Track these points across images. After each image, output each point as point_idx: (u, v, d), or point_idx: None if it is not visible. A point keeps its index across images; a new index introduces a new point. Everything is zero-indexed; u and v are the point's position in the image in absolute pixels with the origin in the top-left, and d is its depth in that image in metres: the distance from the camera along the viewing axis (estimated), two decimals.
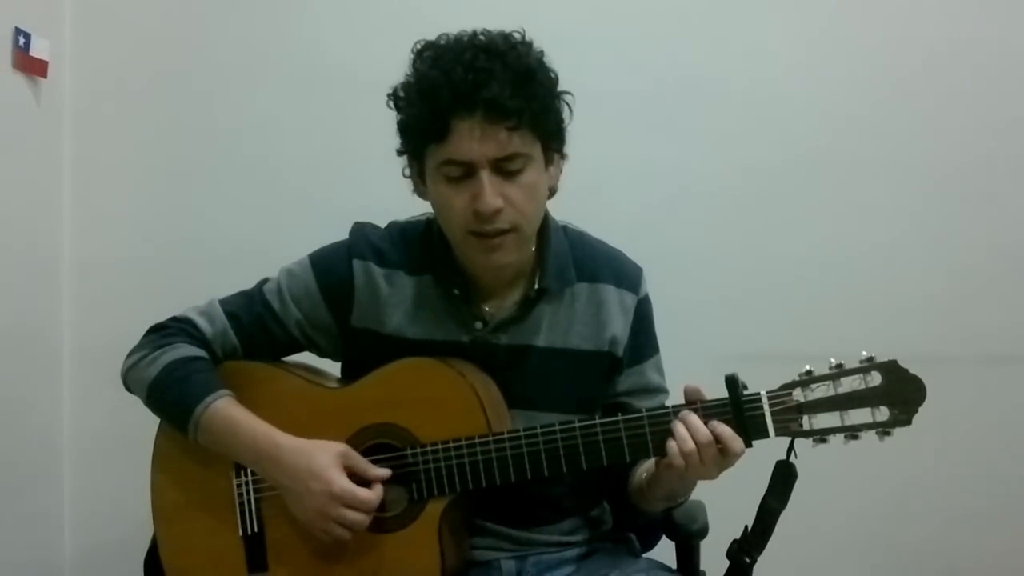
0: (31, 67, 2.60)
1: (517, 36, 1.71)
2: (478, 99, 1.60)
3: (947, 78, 2.66)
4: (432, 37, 1.73)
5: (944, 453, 2.60)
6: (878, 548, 2.72)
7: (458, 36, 1.70)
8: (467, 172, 1.66)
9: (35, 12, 2.63)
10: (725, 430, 1.59)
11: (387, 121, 1.82)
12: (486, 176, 1.64)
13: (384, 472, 1.70)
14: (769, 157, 2.66)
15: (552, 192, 1.80)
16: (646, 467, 1.78)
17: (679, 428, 1.60)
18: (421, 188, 1.78)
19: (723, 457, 1.59)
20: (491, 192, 1.64)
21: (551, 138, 1.73)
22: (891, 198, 2.68)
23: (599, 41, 2.63)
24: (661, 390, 1.91)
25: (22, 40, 2.56)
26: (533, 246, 1.81)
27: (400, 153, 1.78)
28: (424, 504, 1.72)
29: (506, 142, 1.63)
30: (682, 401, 1.65)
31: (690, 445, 1.58)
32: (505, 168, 1.66)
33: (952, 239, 2.68)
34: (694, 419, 1.60)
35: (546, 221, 1.84)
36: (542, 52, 1.72)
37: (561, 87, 1.74)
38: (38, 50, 2.61)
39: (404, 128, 1.74)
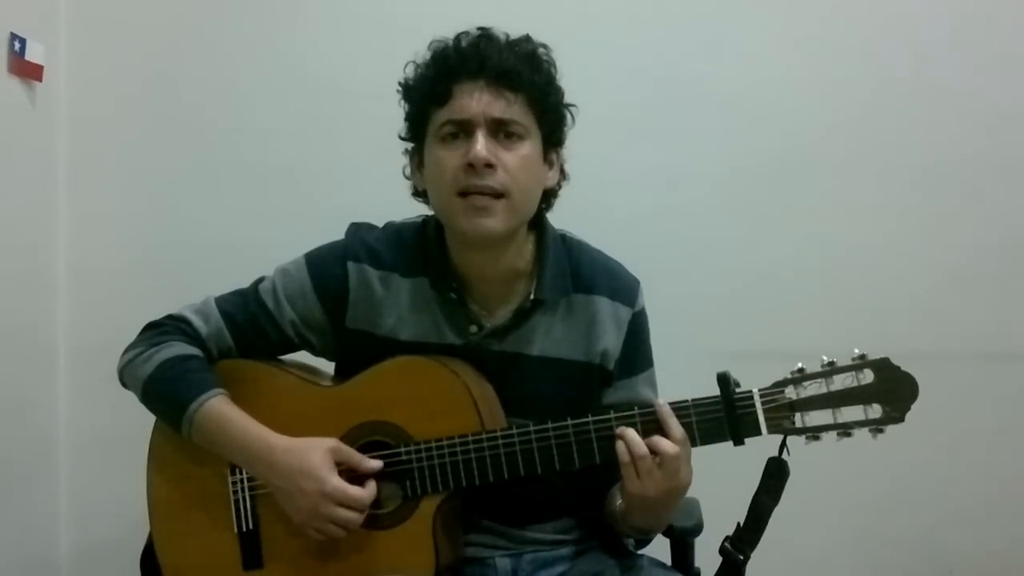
0: (26, 71, 2.60)
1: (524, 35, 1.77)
2: (483, 63, 1.68)
3: (936, 76, 2.67)
4: (426, 45, 1.77)
5: (936, 450, 2.60)
6: (870, 545, 2.73)
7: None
8: (464, 131, 1.69)
9: (30, 17, 2.64)
10: (662, 441, 1.61)
11: (381, 123, 1.84)
12: (481, 133, 1.68)
13: (376, 464, 1.71)
14: (760, 157, 2.67)
15: (550, 202, 1.83)
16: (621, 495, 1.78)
17: (618, 442, 1.63)
18: (418, 178, 1.80)
19: (661, 469, 1.61)
20: (484, 144, 1.67)
21: (550, 129, 1.76)
22: (882, 197, 2.68)
23: (590, 46, 2.63)
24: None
25: (17, 45, 2.56)
26: (531, 246, 1.82)
27: (403, 139, 1.81)
28: (418, 501, 1.72)
29: (505, 108, 1.69)
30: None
31: (626, 457, 1.62)
32: (502, 132, 1.70)
33: (943, 237, 2.69)
34: (631, 433, 1.63)
35: (545, 229, 1.84)
36: (552, 60, 1.78)
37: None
38: (33, 55, 2.61)
39: (409, 98, 1.78)
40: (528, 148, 1.72)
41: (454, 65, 1.69)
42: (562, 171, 1.85)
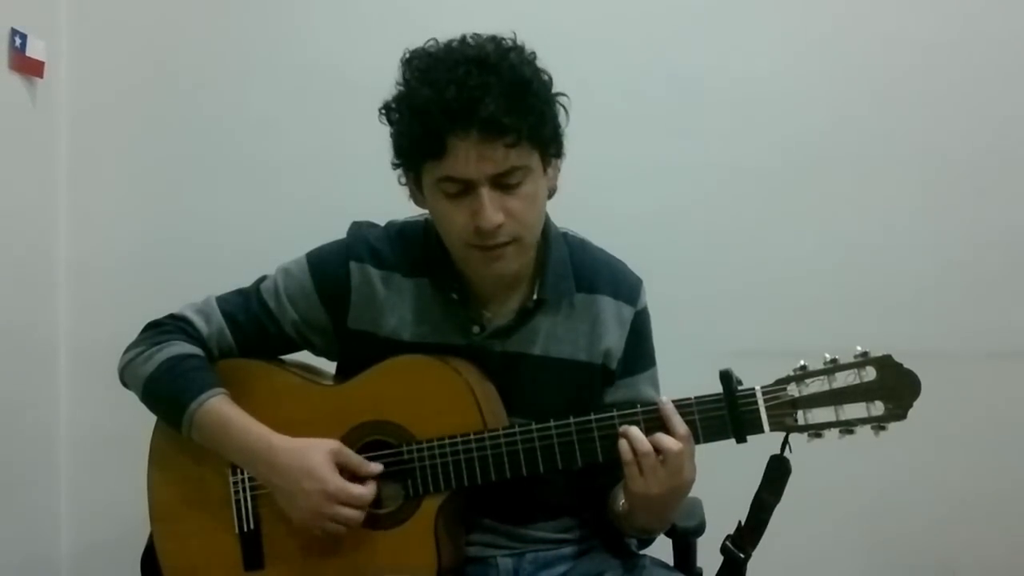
0: (27, 68, 2.61)
1: (508, 42, 1.67)
2: (474, 118, 1.57)
3: (942, 74, 2.66)
4: (426, 39, 1.70)
5: (939, 449, 2.60)
6: (873, 544, 2.72)
7: (447, 44, 1.67)
8: (466, 188, 1.63)
9: (31, 13, 2.64)
10: (664, 438, 1.60)
11: (383, 121, 1.82)
12: (486, 193, 1.62)
13: (377, 467, 1.71)
14: (765, 155, 2.67)
15: (552, 193, 1.78)
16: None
17: (621, 441, 1.62)
18: (419, 197, 1.76)
19: (664, 467, 1.60)
20: (491, 208, 1.62)
21: (548, 145, 1.70)
22: (886, 195, 2.68)
23: (597, 42, 2.64)
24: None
25: (18, 41, 2.56)
26: (533, 252, 1.80)
27: (395, 166, 1.75)
28: (420, 501, 1.72)
29: (504, 158, 1.61)
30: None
31: (629, 455, 1.61)
32: (504, 182, 1.63)
33: (947, 236, 2.68)
34: (634, 430, 1.62)
35: (547, 229, 1.82)
36: (534, 55, 1.69)
37: (556, 88, 1.71)
38: (34, 51, 2.62)
39: (398, 144, 1.71)
40: (531, 184, 1.67)
41: (442, 122, 1.58)
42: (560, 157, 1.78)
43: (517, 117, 1.60)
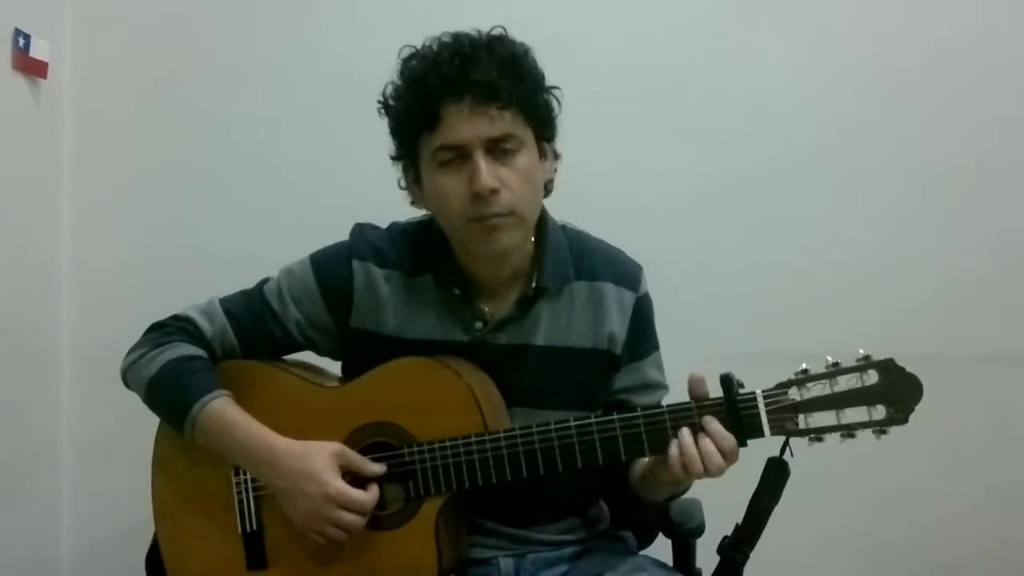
0: (31, 68, 2.60)
1: (501, 30, 1.74)
2: (467, 82, 1.64)
3: (944, 79, 2.66)
4: (433, 39, 1.74)
5: (939, 453, 2.60)
6: (870, 546, 2.72)
7: (441, 35, 1.73)
8: (461, 156, 1.67)
9: (35, 13, 2.63)
10: (724, 437, 1.60)
11: (386, 121, 1.83)
12: (480, 156, 1.66)
13: (380, 467, 1.72)
14: (767, 158, 2.66)
15: (548, 189, 1.81)
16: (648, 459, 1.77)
17: (674, 443, 1.62)
18: (417, 194, 1.79)
19: (726, 462, 1.61)
20: (487, 171, 1.66)
21: (542, 126, 1.75)
22: (888, 199, 2.68)
23: (600, 44, 2.63)
24: (660, 386, 1.91)
25: (22, 41, 2.56)
26: (532, 239, 1.81)
27: (395, 159, 1.79)
28: (421, 502, 1.72)
29: (497, 120, 1.66)
30: (683, 398, 1.66)
31: (693, 454, 1.61)
32: (498, 149, 1.68)
33: (949, 240, 2.68)
34: (687, 435, 1.62)
35: (545, 220, 1.84)
36: (525, 46, 1.74)
37: (553, 83, 1.77)
38: (38, 51, 2.61)
39: (395, 123, 1.76)
40: (525, 157, 1.71)
41: (437, 88, 1.65)
42: (555, 155, 1.83)
43: (509, 81, 1.67)
